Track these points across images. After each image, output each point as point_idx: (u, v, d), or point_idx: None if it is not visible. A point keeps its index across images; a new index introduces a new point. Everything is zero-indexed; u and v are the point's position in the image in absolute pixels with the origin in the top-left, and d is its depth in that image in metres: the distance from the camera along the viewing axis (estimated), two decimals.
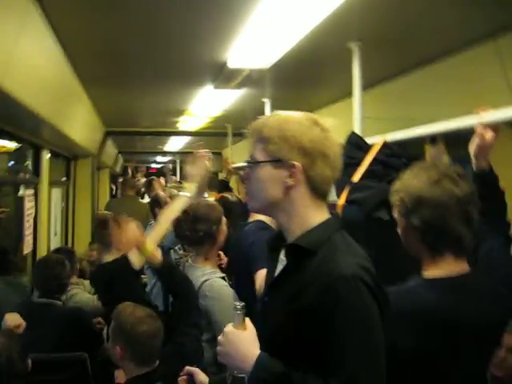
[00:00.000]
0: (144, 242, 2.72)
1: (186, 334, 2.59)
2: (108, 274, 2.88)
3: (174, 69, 4.13)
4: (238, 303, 1.48)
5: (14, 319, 3.01)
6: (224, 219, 2.98)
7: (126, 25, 3.07)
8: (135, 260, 2.81)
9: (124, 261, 2.80)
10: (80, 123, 5.42)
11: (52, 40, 3.12)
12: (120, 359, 2.42)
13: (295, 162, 1.47)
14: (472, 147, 1.93)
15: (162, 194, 5.34)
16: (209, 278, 2.81)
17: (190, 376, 2.01)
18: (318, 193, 1.53)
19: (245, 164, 1.60)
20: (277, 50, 3.38)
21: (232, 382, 1.45)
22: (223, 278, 2.89)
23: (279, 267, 1.58)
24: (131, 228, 2.93)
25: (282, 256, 1.59)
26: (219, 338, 1.49)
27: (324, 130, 1.52)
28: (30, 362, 2.38)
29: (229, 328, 1.48)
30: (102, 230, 3.32)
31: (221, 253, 3.33)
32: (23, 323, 3.03)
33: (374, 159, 2.60)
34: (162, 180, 10.64)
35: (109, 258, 3.13)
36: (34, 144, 4.88)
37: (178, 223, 3.02)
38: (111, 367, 2.64)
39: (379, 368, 1.38)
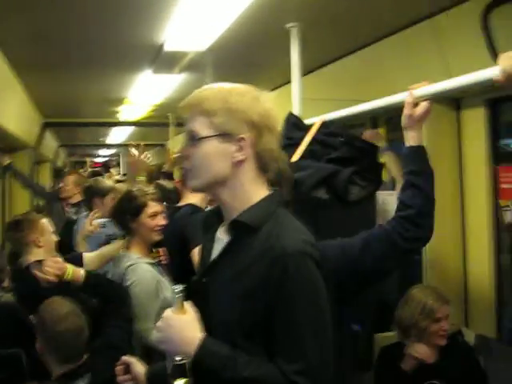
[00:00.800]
0: (64, 271, 2.62)
1: (115, 326, 2.53)
2: None
3: (110, 52, 4.00)
4: (176, 286, 1.40)
5: None
6: (149, 211, 2.87)
7: (56, 6, 2.94)
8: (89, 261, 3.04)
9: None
10: (13, 112, 5.20)
11: None
12: (41, 354, 2.37)
13: (244, 136, 1.41)
14: (403, 119, 1.92)
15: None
16: (134, 262, 2.79)
17: (127, 366, 1.94)
18: (264, 168, 1.47)
19: (185, 142, 1.49)
20: (213, 30, 3.31)
21: (173, 369, 1.36)
22: (152, 264, 2.85)
23: (217, 247, 1.51)
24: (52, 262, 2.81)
25: (220, 235, 1.53)
26: (157, 323, 1.41)
27: (267, 102, 1.47)
28: None
29: (167, 313, 1.41)
30: (16, 234, 3.24)
31: (160, 250, 3.26)
32: None
33: (313, 139, 2.56)
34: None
35: (31, 257, 3.07)
36: None
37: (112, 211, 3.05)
38: None
39: (327, 345, 1.36)
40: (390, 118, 3.74)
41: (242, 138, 1.41)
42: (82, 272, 2.64)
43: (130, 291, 2.69)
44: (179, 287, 1.39)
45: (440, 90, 1.87)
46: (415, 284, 2.87)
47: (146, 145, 11.32)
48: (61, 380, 2.30)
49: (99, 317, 2.55)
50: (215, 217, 1.58)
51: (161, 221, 2.88)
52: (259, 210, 1.44)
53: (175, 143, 7.14)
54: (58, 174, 11.14)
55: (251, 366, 1.32)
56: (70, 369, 2.32)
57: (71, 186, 5.59)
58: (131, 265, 2.77)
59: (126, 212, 2.86)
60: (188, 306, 1.41)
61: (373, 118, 3.92)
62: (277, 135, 1.48)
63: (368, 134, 3.30)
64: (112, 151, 14.68)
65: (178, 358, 1.35)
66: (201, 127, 1.43)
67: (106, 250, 3.20)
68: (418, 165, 1.89)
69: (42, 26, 3.33)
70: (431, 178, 1.90)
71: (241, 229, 1.43)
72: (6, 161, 6.03)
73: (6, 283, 3.92)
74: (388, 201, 2.96)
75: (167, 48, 3.65)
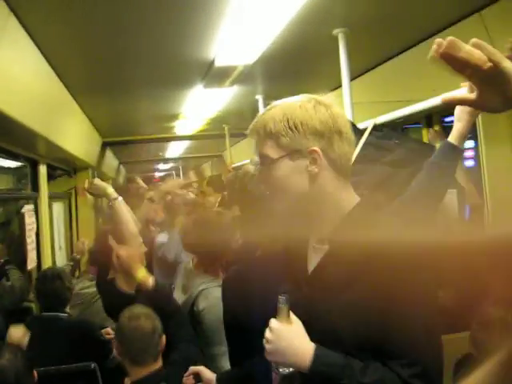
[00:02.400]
0: (136, 267, 2.68)
1: (188, 341, 2.58)
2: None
3: (162, 71, 4.10)
4: (281, 296, 1.38)
5: (17, 331, 3.00)
6: (237, 235, 2.80)
7: (108, 31, 3.05)
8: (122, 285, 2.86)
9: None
10: (74, 134, 5.40)
11: (34, 50, 3.09)
12: (118, 355, 2.47)
13: (314, 148, 1.39)
14: (456, 109, 1.92)
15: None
16: (206, 287, 2.78)
17: (197, 375, 1.99)
18: (342, 172, 1.44)
19: (257, 166, 1.52)
20: (261, 42, 3.35)
21: (282, 380, 1.38)
22: None
23: (313, 256, 1.51)
24: (128, 252, 2.87)
25: (316, 244, 1.51)
26: (266, 335, 1.40)
27: (328, 106, 1.44)
28: (36, 375, 2.37)
29: (275, 324, 1.39)
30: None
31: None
32: (27, 334, 3.01)
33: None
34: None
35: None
36: (31, 159, 4.87)
37: (184, 230, 3.01)
38: (121, 376, 2.63)
39: (440, 346, 1.35)
40: (445, 116, 3.68)
41: (313, 151, 1.40)
42: (151, 279, 2.70)
43: (202, 317, 2.71)
44: (284, 297, 1.38)
45: None
46: None
47: (203, 157, 11.54)
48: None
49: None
50: (305, 225, 1.56)
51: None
52: (356, 217, 1.42)
53: (232, 153, 7.22)
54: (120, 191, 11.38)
55: (368, 372, 1.32)
56: (144, 375, 2.38)
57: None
58: (203, 289, 2.76)
59: (217, 236, 2.76)
60: (292, 315, 1.40)
61: (427, 117, 3.86)
62: (348, 137, 1.44)
63: (431, 135, 3.27)
64: (170, 165, 14.92)
65: (285, 370, 1.37)
66: (270, 150, 1.43)
67: None
68: (443, 160, 1.92)
69: (96, 50, 3.45)
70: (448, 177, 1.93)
71: (340, 237, 1.41)
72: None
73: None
74: (448, 200, 2.91)
75: (218, 63, 3.72)
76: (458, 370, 2.64)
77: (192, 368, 2.08)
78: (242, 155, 7.23)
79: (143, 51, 3.53)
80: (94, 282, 4.13)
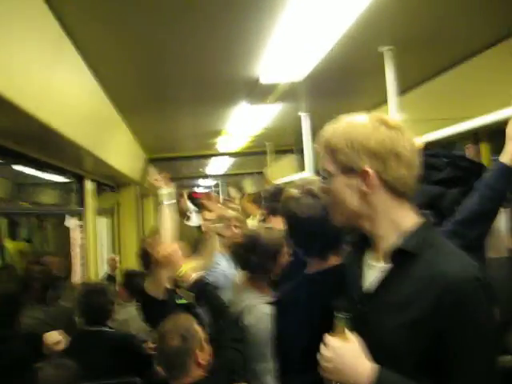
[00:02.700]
0: (179, 262, 2.73)
1: (233, 348, 2.57)
2: None
3: (208, 89, 4.15)
4: (341, 314, 1.38)
5: (53, 337, 3.03)
6: (285, 250, 2.75)
7: (156, 51, 3.11)
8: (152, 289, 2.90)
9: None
10: (120, 151, 5.50)
11: (86, 70, 3.17)
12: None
13: (366, 168, 1.39)
14: (508, 128, 1.88)
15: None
16: (251, 303, 2.75)
17: None
18: (399, 194, 1.42)
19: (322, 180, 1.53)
20: (308, 61, 3.36)
21: None
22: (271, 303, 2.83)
23: (371, 273, 1.49)
24: (171, 247, 2.92)
25: (371, 261, 1.50)
26: (325, 352, 1.38)
27: (392, 127, 1.41)
28: None
29: (334, 341, 1.38)
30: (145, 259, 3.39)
31: None
32: (63, 340, 3.04)
33: None
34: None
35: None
36: (77, 175, 4.97)
37: (234, 246, 3.01)
38: None
39: (497, 374, 1.33)
40: (494, 131, 3.61)
41: (364, 171, 1.39)
42: (193, 275, 2.73)
43: (247, 332, 2.67)
44: (343, 314, 1.37)
45: None
46: None
47: (244, 173, 11.58)
48: None
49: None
50: (360, 242, 1.57)
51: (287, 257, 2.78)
52: (418, 237, 1.40)
53: (273, 170, 7.24)
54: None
55: None
56: None
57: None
58: (249, 305, 2.72)
59: (268, 255, 2.75)
60: (350, 333, 1.38)
61: (475, 134, 3.80)
62: (407, 160, 1.40)
63: (470, 150, 3.21)
64: (211, 182, 15.02)
65: None
66: (329, 165, 1.45)
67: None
68: (496, 182, 1.87)
69: (143, 70, 3.52)
70: (501, 200, 1.87)
71: (401, 256, 1.39)
72: None
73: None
74: (498, 219, 2.85)
75: (263, 81, 3.74)
76: None
77: None
78: (282, 172, 7.24)
79: (189, 70, 3.58)
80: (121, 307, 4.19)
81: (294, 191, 2.05)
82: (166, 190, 3.18)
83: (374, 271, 1.46)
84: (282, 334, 2.22)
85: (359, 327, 1.41)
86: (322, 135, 1.48)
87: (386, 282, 1.42)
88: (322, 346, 1.39)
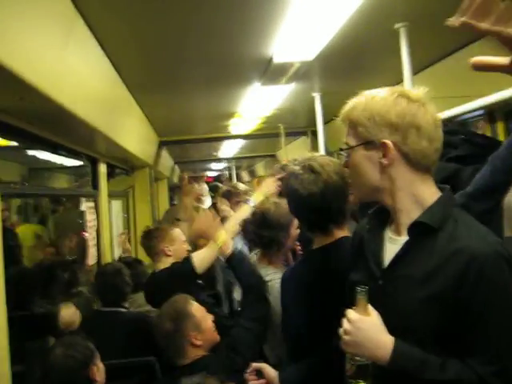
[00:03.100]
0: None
1: (244, 328, 2.59)
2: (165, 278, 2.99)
3: (221, 69, 4.12)
4: (360, 287, 1.39)
5: (68, 312, 3.06)
6: (295, 222, 2.80)
7: (169, 29, 3.09)
8: (199, 261, 3.02)
9: (187, 264, 2.97)
10: (134, 133, 5.50)
11: (98, 50, 3.16)
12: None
13: (385, 141, 1.41)
14: None
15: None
16: (271, 278, 2.77)
17: (258, 371, 1.99)
18: (420, 167, 1.45)
19: (341, 152, 1.54)
20: (321, 39, 3.32)
21: (357, 370, 1.38)
22: None
23: (390, 247, 1.50)
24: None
25: (392, 235, 1.51)
26: (345, 326, 1.40)
27: (413, 100, 1.43)
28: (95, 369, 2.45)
29: (353, 315, 1.39)
30: (148, 242, 3.44)
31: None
32: (77, 319, 3.07)
33: None
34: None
35: (160, 265, 3.23)
36: (91, 157, 4.98)
37: (245, 225, 3.06)
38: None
39: None
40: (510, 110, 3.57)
41: (384, 143, 1.40)
42: (230, 246, 2.82)
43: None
44: (363, 288, 1.38)
45: None
46: None
47: (256, 156, 11.55)
48: (176, 374, 2.43)
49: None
50: (379, 216, 1.58)
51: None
52: (438, 210, 1.42)
53: (287, 152, 7.20)
54: (174, 190, 11.58)
55: (446, 367, 1.31)
56: (184, 364, 2.47)
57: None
58: (268, 282, 2.75)
59: (279, 228, 2.80)
60: (370, 307, 1.40)
61: (490, 112, 3.75)
62: (428, 133, 1.42)
63: (481, 126, 3.18)
64: (223, 165, 15.02)
65: (360, 359, 1.37)
66: (349, 138, 1.48)
67: (211, 249, 3.15)
68: (507, 153, 1.84)
69: (155, 49, 3.50)
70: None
71: (421, 230, 1.40)
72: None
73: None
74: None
75: (276, 60, 3.70)
76: None
77: (254, 365, 2.08)
78: (296, 154, 7.19)
79: (202, 50, 3.56)
80: None
81: (295, 168, 2.06)
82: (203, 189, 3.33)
83: (395, 245, 1.47)
84: (287, 310, 2.24)
85: (379, 301, 1.41)
86: (345, 109, 1.49)
87: (406, 256, 1.43)
88: (342, 320, 1.40)
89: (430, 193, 1.45)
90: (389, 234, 1.52)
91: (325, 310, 1.83)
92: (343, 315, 1.41)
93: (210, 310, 2.75)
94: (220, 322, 2.75)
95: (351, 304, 1.41)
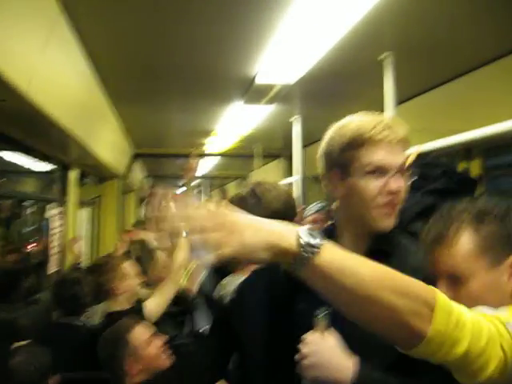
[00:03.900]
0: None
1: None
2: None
3: (203, 85, 4.10)
4: (319, 310, 1.35)
5: None
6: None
7: (154, 40, 3.05)
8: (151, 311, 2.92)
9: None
10: (108, 142, 5.42)
11: (79, 53, 3.10)
12: None
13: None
14: None
15: None
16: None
17: None
18: None
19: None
20: (304, 63, 3.32)
21: None
22: None
23: None
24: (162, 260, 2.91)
25: None
26: (303, 349, 1.35)
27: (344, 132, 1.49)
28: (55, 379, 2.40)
29: (312, 337, 1.35)
30: (96, 279, 3.27)
31: None
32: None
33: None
34: None
35: (112, 305, 3.10)
36: (62, 163, 4.88)
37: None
38: None
39: None
40: (488, 149, 3.60)
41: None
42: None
43: None
44: (323, 311, 1.35)
45: None
46: None
47: (228, 177, 11.51)
48: None
49: None
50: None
51: None
52: (389, 237, 1.48)
53: (261, 174, 7.19)
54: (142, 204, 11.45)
55: None
56: None
57: None
58: None
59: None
60: (330, 331, 1.36)
61: (467, 149, 3.78)
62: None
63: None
64: (195, 182, 14.94)
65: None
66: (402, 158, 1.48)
67: (167, 292, 3.09)
68: None
69: (139, 60, 3.47)
70: None
71: (378, 255, 1.41)
72: None
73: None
74: None
75: (258, 81, 3.69)
76: None
77: None
78: (269, 177, 7.18)
79: (186, 63, 3.53)
80: None
81: (244, 190, 2.12)
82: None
83: None
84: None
85: (338, 323, 1.38)
86: (402, 130, 1.46)
87: None
88: (300, 344, 1.36)
89: None
90: None
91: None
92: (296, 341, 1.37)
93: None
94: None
95: (301, 331, 1.38)
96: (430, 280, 1.31)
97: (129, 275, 3.25)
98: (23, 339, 3.02)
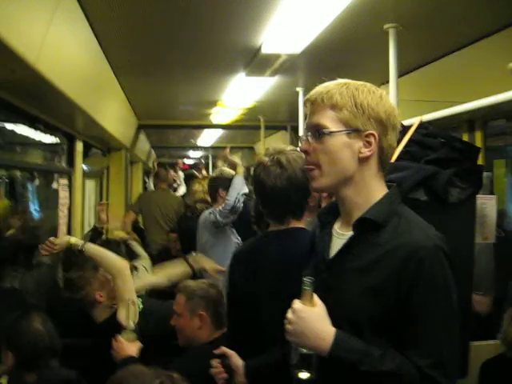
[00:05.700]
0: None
1: None
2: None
3: (207, 55, 4.10)
4: (306, 278, 1.39)
5: None
6: None
7: (158, 9, 3.06)
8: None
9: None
10: (113, 114, 5.44)
11: (85, 25, 3.13)
12: None
13: (373, 132, 1.43)
14: None
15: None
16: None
17: (225, 359, 1.98)
18: (384, 164, 1.49)
19: (307, 134, 1.49)
20: (309, 32, 3.33)
21: (299, 360, 1.38)
22: None
23: (337, 242, 1.52)
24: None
25: (339, 230, 1.54)
26: (288, 315, 1.41)
27: (389, 101, 1.50)
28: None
29: (298, 305, 1.40)
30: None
31: None
32: None
33: (410, 140, 2.53)
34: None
35: (99, 314, 2.99)
36: (69, 134, 4.92)
37: None
38: None
39: (457, 338, 1.38)
40: (487, 121, 3.63)
41: (371, 134, 1.42)
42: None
43: None
44: (309, 279, 1.39)
45: None
46: None
47: (234, 147, 11.55)
48: None
49: None
50: (331, 212, 1.60)
51: None
52: (384, 207, 1.45)
53: (266, 145, 7.20)
54: (149, 174, 11.47)
55: (386, 359, 1.32)
56: None
57: None
58: None
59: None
60: (316, 298, 1.40)
61: (469, 122, 3.81)
62: (397, 133, 1.50)
63: None
64: (201, 153, 14.93)
65: (304, 350, 1.37)
66: (329, 122, 1.43)
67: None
68: None
69: (143, 31, 3.48)
70: None
71: (366, 225, 1.43)
72: None
73: None
74: (487, 205, 2.87)
75: (264, 51, 3.69)
76: (484, 372, 2.64)
77: (223, 349, 2.06)
78: None
79: (190, 34, 3.54)
80: None
81: (265, 159, 2.11)
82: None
83: (341, 240, 1.50)
84: (237, 283, 2.27)
85: (322, 293, 1.43)
86: (324, 90, 1.47)
87: (351, 250, 1.46)
88: (289, 310, 1.41)
89: (381, 190, 1.49)
90: (337, 229, 1.55)
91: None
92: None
93: None
94: None
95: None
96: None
97: (106, 282, 3.04)
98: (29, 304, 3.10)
